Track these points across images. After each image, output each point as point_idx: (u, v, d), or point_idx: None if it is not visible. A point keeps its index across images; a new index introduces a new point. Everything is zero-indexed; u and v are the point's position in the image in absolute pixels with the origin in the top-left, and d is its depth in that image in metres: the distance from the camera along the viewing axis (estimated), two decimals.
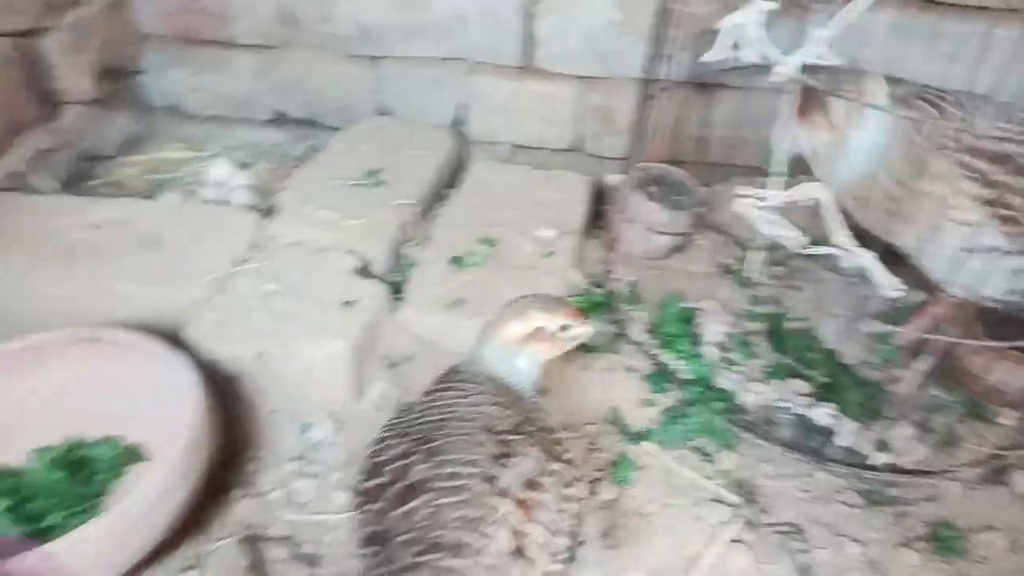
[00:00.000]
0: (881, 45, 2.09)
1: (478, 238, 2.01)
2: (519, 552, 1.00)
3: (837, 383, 1.71)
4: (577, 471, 1.15)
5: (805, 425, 1.66)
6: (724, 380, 1.72)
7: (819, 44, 1.24)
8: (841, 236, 1.29)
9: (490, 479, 1.03)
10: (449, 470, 1.04)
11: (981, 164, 1.35)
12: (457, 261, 1.92)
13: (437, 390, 1.20)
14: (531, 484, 1.05)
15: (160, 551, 1.27)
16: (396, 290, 1.88)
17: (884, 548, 1.48)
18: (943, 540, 1.47)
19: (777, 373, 1.73)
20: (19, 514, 1.29)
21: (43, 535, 1.27)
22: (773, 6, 1.32)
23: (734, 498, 1.53)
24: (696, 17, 1.91)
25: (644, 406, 1.72)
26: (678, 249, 2.06)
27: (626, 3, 2.26)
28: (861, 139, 1.42)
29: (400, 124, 2.51)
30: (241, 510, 1.43)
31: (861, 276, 1.37)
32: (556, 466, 1.10)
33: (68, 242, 1.86)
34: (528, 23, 2.35)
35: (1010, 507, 1.56)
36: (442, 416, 1.13)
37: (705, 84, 2.27)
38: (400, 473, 1.05)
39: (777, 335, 1.80)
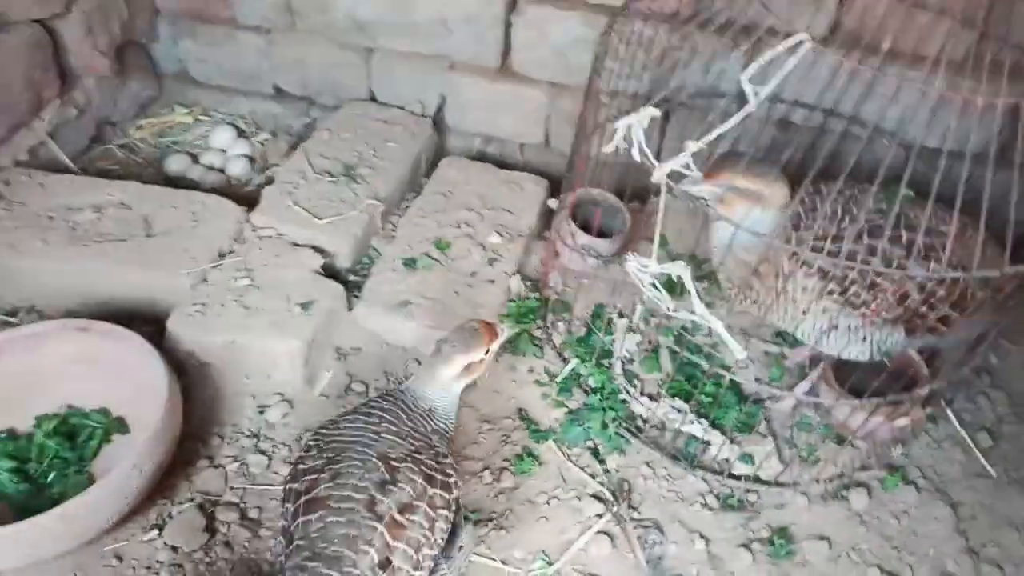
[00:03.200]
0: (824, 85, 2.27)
1: (433, 239, 2.28)
2: (386, 563, 1.31)
3: (720, 400, 1.98)
4: (452, 495, 1.44)
5: (686, 435, 1.95)
6: (623, 391, 2.00)
7: (688, 156, 1.47)
8: (698, 306, 1.55)
9: (372, 503, 1.33)
10: (343, 492, 1.34)
11: (822, 261, 1.61)
12: (410, 263, 2.20)
13: (358, 412, 1.50)
14: (406, 508, 1.35)
15: (131, 513, 1.62)
16: (356, 287, 2.17)
17: (727, 546, 1.79)
18: (776, 545, 1.78)
19: (670, 388, 2.00)
20: (22, 474, 1.64)
21: (40, 492, 1.63)
22: (656, 113, 1.54)
23: (610, 495, 1.84)
24: (645, 40, 2.10)
25: (554, 407, 2.02)
26: (612, 260, 2.30)
27: (593, 22, 2.44)
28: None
29: (383, 112, 2.73)
30: (203, 478, 1.77)
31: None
32: (433, 491, 1.40)
33: (76, 222, 2.16)
34: (506, 31, 2.54)
35: (846, 521, 1.85)
36: (352, 439, 1.43)
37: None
38: (311, 484, 1.36)
39: (674, 352, 2.07)
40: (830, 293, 1.68)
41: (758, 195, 1.63)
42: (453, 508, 1.44)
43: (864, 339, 1.78)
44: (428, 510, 1.37)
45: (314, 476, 1.37)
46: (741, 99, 1.76)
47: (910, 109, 2.23)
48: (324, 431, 1.47)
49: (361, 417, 1.47)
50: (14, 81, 2.30)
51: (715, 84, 2.36)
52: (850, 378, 1.82)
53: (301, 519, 1.32)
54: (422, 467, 1.40)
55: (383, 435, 1.43)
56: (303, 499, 1.35)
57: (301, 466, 1.41)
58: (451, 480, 1.44)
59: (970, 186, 1.53)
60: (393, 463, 1.38)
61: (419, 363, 2.05)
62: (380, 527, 1.31)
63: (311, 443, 1.46)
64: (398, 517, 1.33)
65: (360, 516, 1.32)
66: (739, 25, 1.92)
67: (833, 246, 1.52)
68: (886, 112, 2.22)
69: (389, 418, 1.47)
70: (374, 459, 1.38)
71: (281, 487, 1.47)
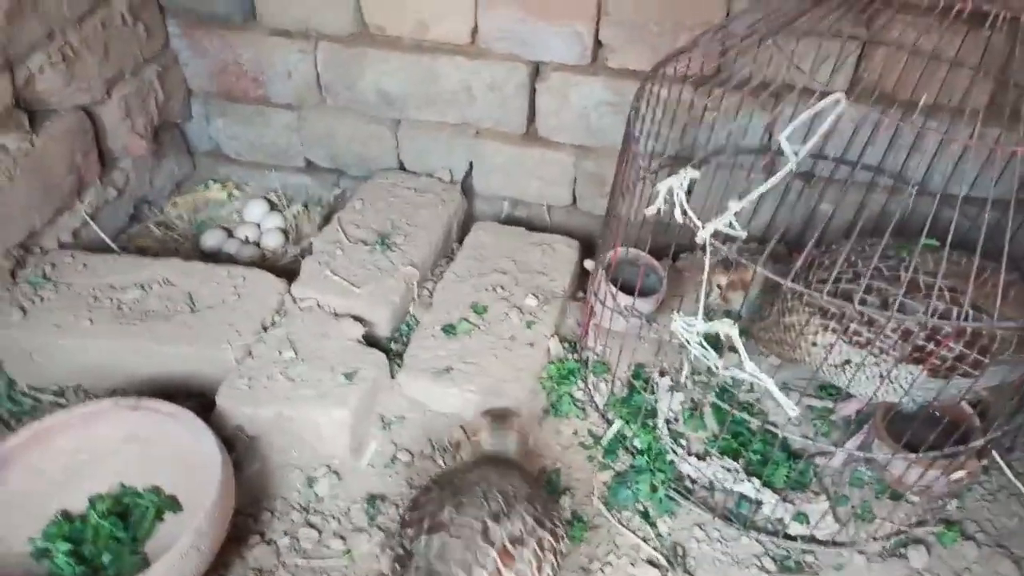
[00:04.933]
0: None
1: (471, 304, 2.30)
2: None
3: (769, 457, 1.96)
4: (559, 545, 1.52)
5: (737, 495, 1.93)
6: (669, 452, 1.99)
7: (731, 215, 1.49)
8: (748, 364, 1.55)
9: (486, 529, 1.43)
10: (463, 519, 1.46)
11: (821, 301, 1.73)
12: (449, 329, 2.21)
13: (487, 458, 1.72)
14: (516, 540, 1.44)
15: None
16: (397, 355, 2.19)
17: None
18: None
19: (718, 447, 1.99)
20: (78, 556, 1.64)
21: (96, 574, 1.63)
22: (696, 175, 1.58)
23: (664, 560, 1.82)
24: (671, 102, 2.14)
25: (600, 470, 2.01)
26: (652, 319, 2.31)
27: (615, 86, 2.50)
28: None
29: (413, 180, 2.78)
30: (255, 554, 1.76)
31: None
32: (542, 533, 1.49)
33: (121, 301, 2.19)
34: (531, 98, 2.60)
35: None
36: (476, 480, 1.57)
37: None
38: (435, 510, 1.50)
39: (719, 410, 2.06)
40: (832, 331, 1.78)
41: None
42: (559, 560, 1.52)
43: (881, 377, 1.77)
44: (536, 548, 1.46)
45: (435, 507, 1.50)
46: (768, 155, 1.80)
47: (937, 159, 2.25)
48: (444, 475, 1.66)
49: (491, 461, 1.69)
50: (58, 166, 2.37)
51: (737, 142, 2.41)
52: (905, 433, 1.80)
53: (423, 538, 1.45)
54: (534, 508, 1.52)
55: (506, 475, 1.59)
56: (426, 523, 1.48)
57: (421, 497, 1.57)
58: (559, 531, 1.54)
59: (1001, 233, 1.54)
60: (511, 499, 1.50)
61: (463, 430, 2.06)
62: (493, 552, 1.41)
63: (430, 484, 1.62)
64: (508, 547, 1.42)
65: (475, 541, 1.41)
66: (762, 85, 1.96)
67: (831, 287, 1.54)
68: (910, 162, 2.25)
69: (517, 468, 1.66)
70: (496, 491, 1.52)
71: (399, 520, 1.62)
